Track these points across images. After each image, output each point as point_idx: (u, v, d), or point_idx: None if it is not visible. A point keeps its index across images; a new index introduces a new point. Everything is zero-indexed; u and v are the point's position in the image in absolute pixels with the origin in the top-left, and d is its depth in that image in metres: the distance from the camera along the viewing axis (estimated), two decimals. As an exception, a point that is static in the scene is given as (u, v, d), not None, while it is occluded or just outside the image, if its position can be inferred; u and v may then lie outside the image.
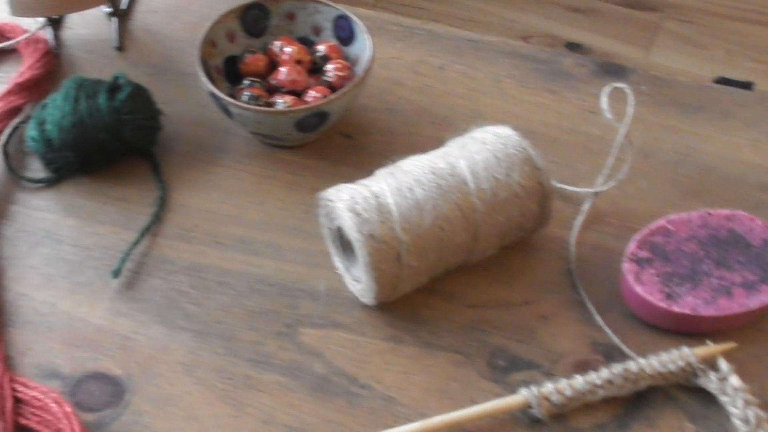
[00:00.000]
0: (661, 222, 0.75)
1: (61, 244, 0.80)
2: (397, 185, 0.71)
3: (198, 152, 0.86)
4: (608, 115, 0.76)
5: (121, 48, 0.95)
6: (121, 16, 0.97)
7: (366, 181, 0.73)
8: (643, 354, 0.70)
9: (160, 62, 0.94)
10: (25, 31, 0.93)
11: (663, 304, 0.71)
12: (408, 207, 0.70)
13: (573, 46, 2.28)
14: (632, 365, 0.68)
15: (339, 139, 0.87)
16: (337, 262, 0.76)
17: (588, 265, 0.77)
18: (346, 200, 0.71)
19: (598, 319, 0.73)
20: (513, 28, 2.33)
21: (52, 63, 0.92)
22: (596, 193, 0.80)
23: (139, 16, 0.99)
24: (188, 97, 0.90)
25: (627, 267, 0.73)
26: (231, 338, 0.73)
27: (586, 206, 0.80)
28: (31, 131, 0.83)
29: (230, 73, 0.86)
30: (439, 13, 2.39)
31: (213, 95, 0.80)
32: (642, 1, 2.20)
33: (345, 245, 0.75)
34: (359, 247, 0.69)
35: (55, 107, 0.81)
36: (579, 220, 0.79)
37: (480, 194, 0.71)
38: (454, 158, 0.73)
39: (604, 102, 0.76)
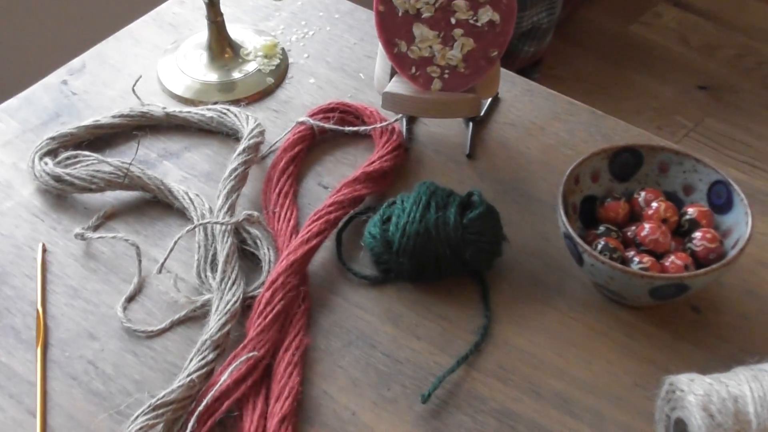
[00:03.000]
0: None
1: (374, 349, 0.76)
2: (762, 394, 0.63)
3: (531, 288, 0.80)
4: None
5: (471, 156, 0.92)
6: (478, 123, 0.94)
7: (724, 378, 0.65)
8: None
9: (508, 179, 0.89)
10: (383, 120, 0.92)
11: None
12: (771, 423, 0.61)
13: None
14: None
15: (685, 310, 0.79)
16: (665, 453, 0.68)
17: None
18: (700, 396, 0.63)
19: None
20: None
21: (402, 157, 0.90)
22: None
23: (495, 126, 0.95)
24: (533, 225, 0.85)
25: None
26: (531, 506, 0.67)
27: None
28: (371, 227, 0.80)
29: (585, 213, 0.81)
30: (759, 151, 2.25)
31: (568, 237, 0.75)
32: None
33: (679, 438, 0.67)
34: (705, 453, 0.61)
35: (403, 210, 0.78)
36: None
37: None
38: (833, 381, 0.63)
39: None
